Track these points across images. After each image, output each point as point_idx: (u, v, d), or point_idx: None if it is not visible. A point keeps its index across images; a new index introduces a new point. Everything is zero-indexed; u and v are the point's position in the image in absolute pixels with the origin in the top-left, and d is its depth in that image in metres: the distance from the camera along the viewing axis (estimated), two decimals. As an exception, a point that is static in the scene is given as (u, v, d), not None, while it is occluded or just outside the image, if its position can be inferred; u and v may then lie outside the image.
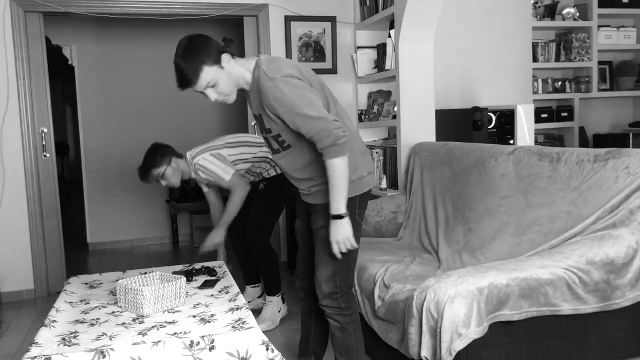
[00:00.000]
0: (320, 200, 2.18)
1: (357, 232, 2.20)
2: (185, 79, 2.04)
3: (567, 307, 2.05)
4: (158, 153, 3.27)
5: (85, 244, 5.85)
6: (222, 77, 2.06)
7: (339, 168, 2.02)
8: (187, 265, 3.02)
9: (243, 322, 2.05)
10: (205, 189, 3.52)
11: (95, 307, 2.34)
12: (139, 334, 1.98)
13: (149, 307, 2.19)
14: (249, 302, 3.47)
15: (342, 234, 2.07)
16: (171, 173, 3.27)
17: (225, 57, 2.06)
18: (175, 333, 1.96)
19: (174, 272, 2.80)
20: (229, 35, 6.12)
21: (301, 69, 2.09)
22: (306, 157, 2.15)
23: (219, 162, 3.23)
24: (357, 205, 2.19)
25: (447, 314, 1.89)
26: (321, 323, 2.45)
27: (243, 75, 2.10)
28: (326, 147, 2.00)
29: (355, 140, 2.23)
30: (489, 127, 4.19)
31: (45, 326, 2.07)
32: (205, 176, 3.27)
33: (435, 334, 1.94)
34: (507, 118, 4.20)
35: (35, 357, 1.76)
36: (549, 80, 5.03)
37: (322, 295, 2.21)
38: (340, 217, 2.05)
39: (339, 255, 2.12)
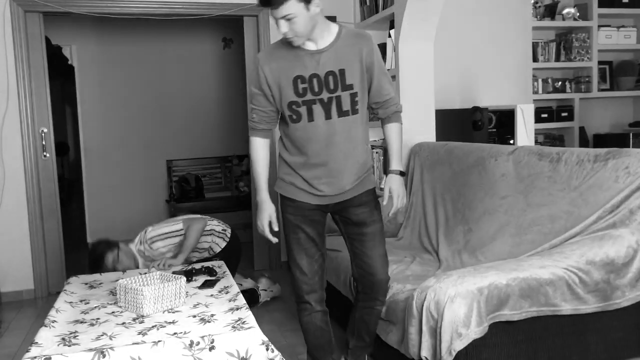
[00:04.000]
0: (370, 185, 2.26)
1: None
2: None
3: (567, 307, 2.05)
4: (101, 244, 3.22)
5: (85, 244, 5.85)
6: (303, 17, 1.96)
7: (401, 132, 2.27)
8: (187, 265, 3.02)
9: (243, 322, 2.05)
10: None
11: (95, 307, 2.34)
12: (139, 334, 1.98)
13: (149, 307, 2.19)
14: None
15: (404, 190, 2.23)
16: (124, 257, 3.19)
17: (317, 1, 1.99)
18: (175, 333, 1.96)
19: (174, 272, 2.80)
20: (229, 35, 6.12)
21: None
22: (366, 131, 2.22)
23: (162, 224, 3.32)
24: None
25: (447, 314, 1.89)
26: (330, 326, 2.36)
27: (328, 27, 2.09)
28: (399, 110, 2.24)
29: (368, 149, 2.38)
30: (489, 127, 4.19)
31: (45, 326, 2.07)
32: (162, 244, 3.22)
33: (435, 334, 1.94)
34: (507, 118, 4.19)
35: (35, 357, 1.76)
36: (549, 80, 5.03)
37: (384, 291, 2.29)
38: (404, 174, 2.26)
39: (398, 207, 2.22)
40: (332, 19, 4.44)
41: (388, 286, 2.30)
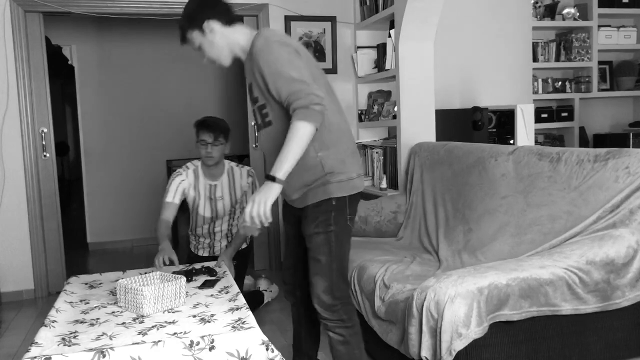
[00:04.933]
0: (311, 200, 2.08)
1: (347, 237, 2.15)
2: (180, 37, 2.15)
3: (567, 307, 2.05)
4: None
5: (85, 244, 5.85)
6: (207, 44, 2.11)
7: (301, 132, 1.86)
8: (187, 265, 3.01)
9: (243, 322, 2.05)
10: (175, 200, 3.21)
11: (95, 307, 2.34)
12: (139, 333, 1.98)
13: (149, 307, 2.19)
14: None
15: (264, 198, 1.86)
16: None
17: (210, 25, 2.07)
18: (175, 333, 1.96)
19: (174, 272, 2.80)
20: (229, 35, 6.12)
21: (302, 51, 2.06)
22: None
23: None
24: (347, 207, 2.10)
25: (447, 314, 1.89)
26: (310, 326, 2.42)
27: (237, 42, 2.11)
28: (298, 107, 1.86)
29: (346, 138, 2.13)
30: (489, 127, 4.19)
31: (45, 326, 2.07)
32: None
33: (435, 334, 1.93)
34: (507, 118, 4.20)
35: (35, 357, 1.76)
36: (549, 80, 5.03)
37: (323, 308, 2.12)
38: (274, 179, 1.87)
39: (247, 223, 1.89)
40: (332, 19, 4.48)
41: (321, 308, 2.12)
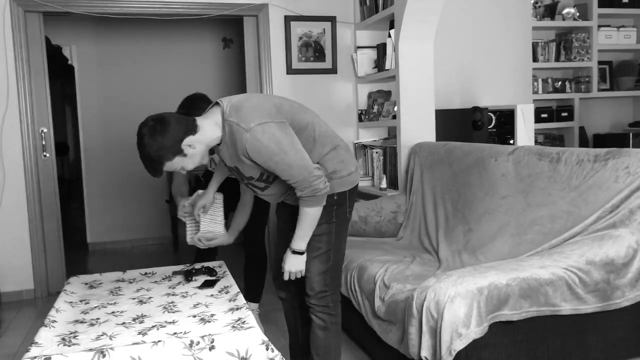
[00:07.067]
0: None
1: (345, 228, 2.25)
2: (154, 170, 2.02)
3: (567, 307, 2.05)
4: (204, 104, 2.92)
5: (85, 244, 5.85)
6: (187, 161, 2.02)
7: (311, 215, 2.07)
8: (187, 265, 3.01)
9: (243, 322, 2.05)
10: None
11: (95, 307, 2.34)
12: (139, 333, 1.98)
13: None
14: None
15: (296, 267, 2.16)
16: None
17: (187, 142, 1.96)
18: (175, 333, 1.96)
19: (174, 272, 2.80)
20: (229, 35, 6.13)
21: (266, 104, 2.03)
22: (312, 154, 2.12)
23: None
24: (347, 201, 2.21)
25: (447, 314, 1.89)
26: (307, 320, 2.42)
27: (212, 137, 2.02)
28: (305, 196, 2.02)
29: (335, 139, 2.20)
30: (489, 127, 4.19)
31: (45, 326, 2.07)
32: None
33: (435, 334, 1.94)
34: (507, 118, 4.20)
35: (35, 357, 1.76)
36: (549, 80, 5.03)
37: (313, 293, 2.22)
38: (301, 253, 2.14)
39: (285, 278, 2.20)
40: (332, 19, 4.48)
41: (311, 292, 2.24)
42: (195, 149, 2.00)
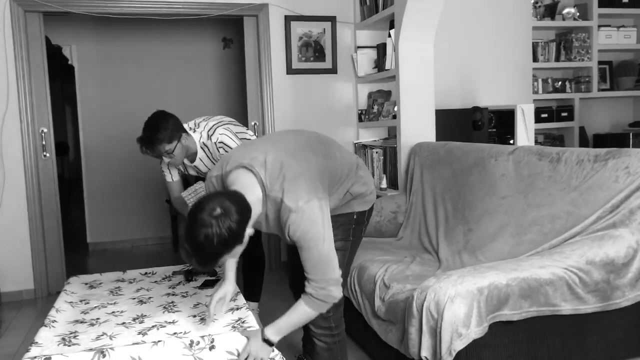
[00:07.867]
0: (332, 212, 2.06)
1: (357, 246, 2.26)
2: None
3: (567, 307, 2.05)
4: (169, 126, 2.80)
5: (85, 244, 5.85)
6: (239, 248, 1.83)
7: (306, 315, 1.92)
8: (187, 265, 3.01)
9: (243, 322, 2.05)
10: (174, 178, 3.08)
11: (95, 307, 2.34)
12: (139, 334, 1.98)
13: None
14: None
15: (258, 355, 1.89)
16: (179, 151, 2.82)
17: (249, 232, 1.81)
18: (175, 333, 1.96)
19: (174, 272, 2.80)
20: (228, 35, 6.12)
21: (308, 172, 1.90)
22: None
23: (237, 140, 2.86)
24: (366, 219, 2.23)
25: (447, 314, 1.89)
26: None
27: (255, 215, 1.85)
28: (312, 294, 1.88)
29: (353, 165, 2.15)
30: (489, 127, 4.19)
31: (45, 326, 2.07)
32: (217, 155, 2.88)
33: (435, 334, 1.93)
34: (507, 118, 4.20)
35: (35, 357, 1.76)
36: (549, 80, 5.03)
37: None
38: (271, 344, 1.90)
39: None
40: (332, 19, 4.48)
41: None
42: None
